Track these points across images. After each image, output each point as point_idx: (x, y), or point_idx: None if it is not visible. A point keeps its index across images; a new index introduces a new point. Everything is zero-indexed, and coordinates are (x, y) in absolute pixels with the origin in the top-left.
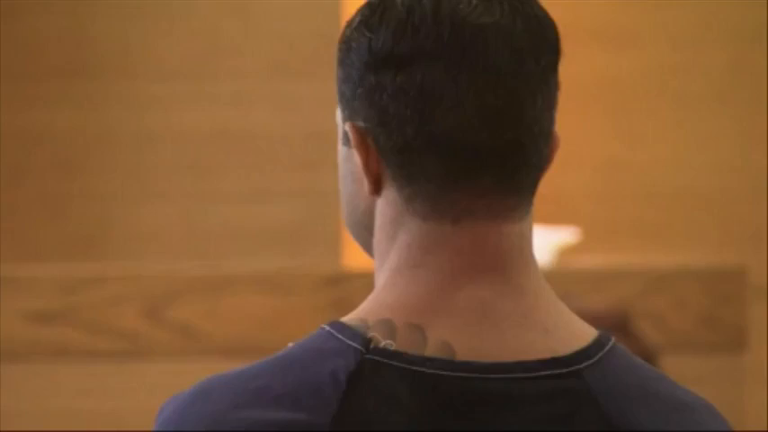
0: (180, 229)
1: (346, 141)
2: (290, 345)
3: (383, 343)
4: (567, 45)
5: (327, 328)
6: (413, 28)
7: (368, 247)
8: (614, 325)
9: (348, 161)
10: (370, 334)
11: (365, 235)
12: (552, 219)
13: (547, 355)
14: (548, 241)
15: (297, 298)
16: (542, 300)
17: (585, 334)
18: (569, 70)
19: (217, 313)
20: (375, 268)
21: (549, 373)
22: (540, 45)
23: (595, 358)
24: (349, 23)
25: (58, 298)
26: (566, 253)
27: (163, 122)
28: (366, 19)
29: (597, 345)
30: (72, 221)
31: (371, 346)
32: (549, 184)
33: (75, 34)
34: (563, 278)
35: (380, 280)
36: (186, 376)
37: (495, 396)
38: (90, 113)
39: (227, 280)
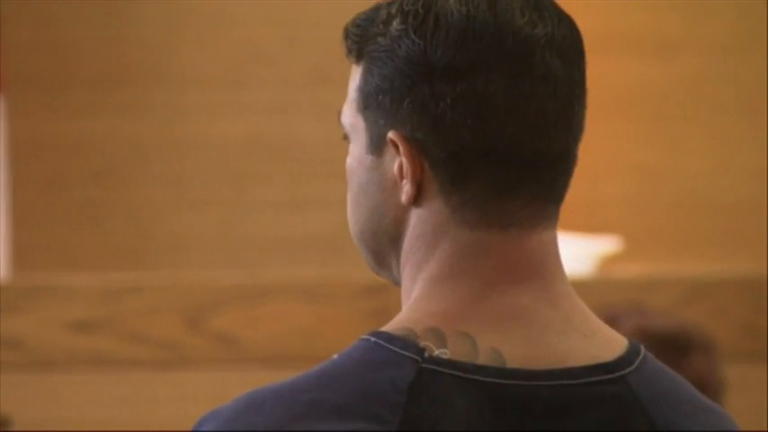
0: (219, 237)
1: (374, 150)
2: (335, 356)
3: (437, 352)
4: (602, 54)
5: (373, 338)
6: (475, 37)
7: (381, 258)
8: (687, 346)
9: (374, 169)
10: (423, 343)
11: (386, 245)
12: (589, 228)
13: (589, 360)
14: (586, 251)
15: (336, 307)
16: (577, 305)
17: (618, 339)
18: (605, 79)
19: (256, 322)
20: (405, 277)
21: (595, 379)
22: (580, 53)
23: (636, 364)
24: (381, 31)
25: (97, 307)
26: (604, 263)
27: (202, 131)
28: (414, 26)
29: (634, 351)
30: (111, 230)
31: (426, 355)
32: (586, 193)
33: (113, 43)
34: (601, 288)
35: (417, 289)
36: (225, 385)
37: (547, 403)
38: (128, 122)
39: (267, 289)
